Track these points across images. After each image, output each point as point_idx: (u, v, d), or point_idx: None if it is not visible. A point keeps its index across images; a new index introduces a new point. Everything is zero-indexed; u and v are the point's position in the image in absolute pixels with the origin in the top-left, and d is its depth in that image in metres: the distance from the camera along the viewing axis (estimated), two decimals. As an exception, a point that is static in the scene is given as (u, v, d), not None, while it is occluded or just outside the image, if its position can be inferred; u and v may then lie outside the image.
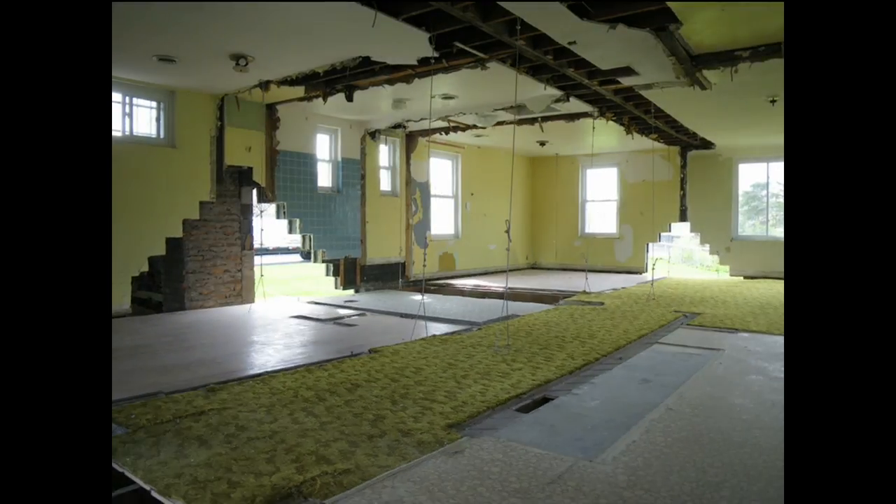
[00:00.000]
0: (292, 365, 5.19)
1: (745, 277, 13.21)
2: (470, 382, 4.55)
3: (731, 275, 13.63)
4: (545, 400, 4.22)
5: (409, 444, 3.27)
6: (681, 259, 21.32)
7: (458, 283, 12.44)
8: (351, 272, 10.94)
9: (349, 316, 8.07)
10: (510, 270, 15.17)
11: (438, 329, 6.95)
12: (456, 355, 5.49)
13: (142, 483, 2.78)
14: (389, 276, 11.71)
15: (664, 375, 4.82)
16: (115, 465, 2.96)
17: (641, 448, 3.24)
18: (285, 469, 2.89)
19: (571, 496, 2.65)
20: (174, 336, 6.60)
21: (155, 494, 2.68)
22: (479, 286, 12.01)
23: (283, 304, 9.37)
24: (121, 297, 7.67)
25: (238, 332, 6.98)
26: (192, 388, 4.38)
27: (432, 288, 11.87)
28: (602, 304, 9.07)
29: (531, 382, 4.57)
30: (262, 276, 8.75)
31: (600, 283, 11.78)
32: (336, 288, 10.83)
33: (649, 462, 3.05)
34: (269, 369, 5.05)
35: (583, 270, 13.28)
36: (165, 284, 8.49)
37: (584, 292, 10.42)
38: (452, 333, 6.65)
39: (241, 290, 9.24)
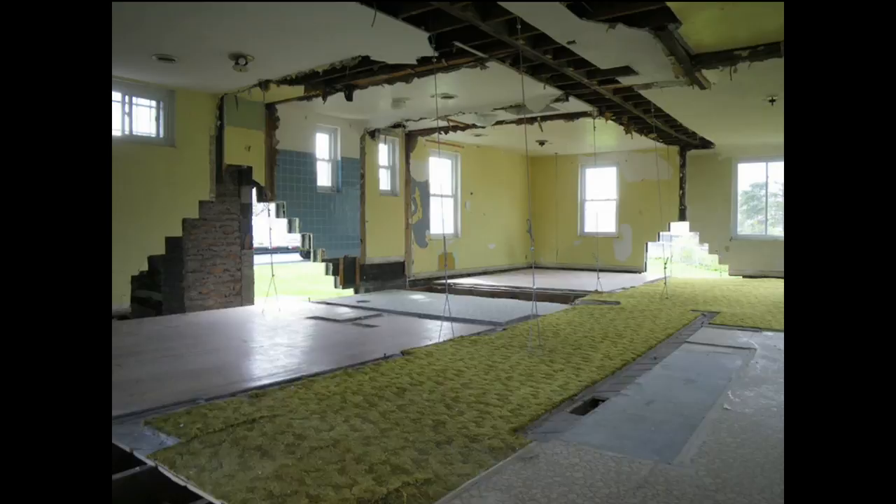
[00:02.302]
0: (326, 368, 5.11)
1: (745, 277, 13.21)
2: (517, 385, 4.52)
3: (731, 274, 13.64)
4: (595, 401, 4.24)
5: (479, 450, 3.20)
6: (680, 258, 21.33)
7: (461, 282, 12.45)
8: (350, 271, 10.94)
9: (366, 317, 8.04)
10: (509, 270, 15.16)
11: (462, 330, 6.93)
12: (491, 356, 5.47)
13: (212, 498, 2.65)
14: (389, 275, 11.71)
15: (705, 375, 4.85)
16: (176, 479, 2.87)
17: (715, 449, 3.22)
18: (363, 481, 2.77)
19: (664, 500, 2.63)
20: (194, 338, 6.50)
21: None
22: (481, 286, 12.01)
23: (295, 305, 9.34)
24: (120, 297, 7.67)
25: (259, 333, 6.89)
26: (232, 395, 4.27)
27: (439, 288, 11.86)
28: (618, 303, 9.13)
29: (578, 384, 4.56)
30: (273, 275, 8.73)
31: (606, 282, 11.79)
32: (336, 287, 10.83)
33: (729, 464, 3.02)
34: (305, 373, 4.93)
35: (583, 269, 13.33)
36: (165, 284, 8.48)
37: (597, 291, 10.47)
38: (479, 334, 6.65)
39: (241, 290, 9.23)
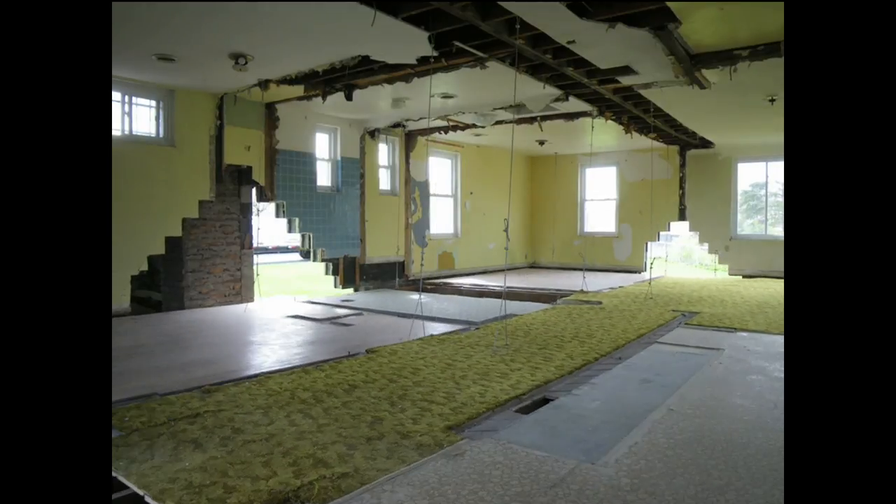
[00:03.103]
0: (289, 365, 5.17)
1: (744, 276, 13.22)
2: (469, 383, 4.53)
3: (730, 273, 13.65)
4: (545, 401, 4.20)
5: (408, 446, 3.23)
6: (680, 258, 21.34)
7: (457, 282, 12.45)
8: (350, 271, 10.94)
9: (346, 315, 8.06)
10: (509, 269, 15.18)
11: (437, 329, 6.95)
12: (454, 355, 5.47)
13: (136, 488, 2.73)
14: (389, 275, 11.71)
15: (664, 375, 4.81)
16: None
17: (644, 450, 3.21)
18: (282, 473, 2.85)
19: (574, 500, 2.63)
20: (170, 336, 6.56)
21: (149, 500, 2.63)
22: (477, 285, 12.02)
23: (281, 304, 9.35)
24: (120, 296, 7.67)
25: (235, 332, 6.95)
26: (188, 390, 4.34)
27: (430, 287, 11.87)
28: (600, 303, 9.07)
29: (531, 383, 4.54)
30: (258, 275, 8.74)
31: (599, 282, 11.80)
32: (335, 287, 10.84)
33: (652, 465, 3.02)
34: (266, 370, 5.03)
35: (583, 269, 13.29)
36: (165, 283, 8.49)
37: (582, 291, 10.43)
38: (450, 333, 6.64)
39: (241, 289, 9.23)
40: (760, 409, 3.92)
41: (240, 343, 6.33)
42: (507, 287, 11.19)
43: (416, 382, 4.55)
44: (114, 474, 2.88)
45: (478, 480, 2.82)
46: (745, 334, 6.60)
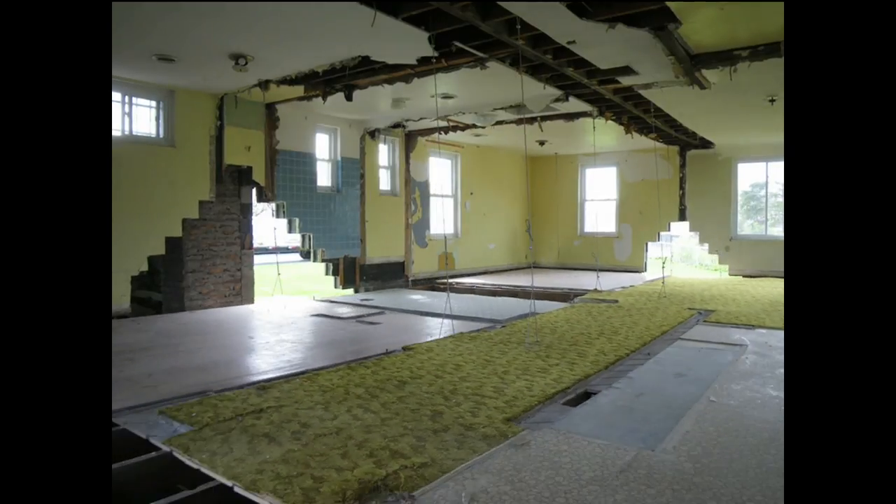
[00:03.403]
0: (332, 362, 5.25)
1: (745, 276, 13.22)
2: (513, 378, 4.65)
3: (731, 274, 13.65)
4: (587, 394, 4.36)
5: (474, 437, 3.34)
6: (680, 258, 21.33)
7: (461, 282, 12.47)
8: (350, 271, 10.94)
9: (369, 315, 8.12)
10: (508, 270, 15.17)
11: (461, 327, 7.02)
12: (490, 352, 5.59)
13: (224, 479, 2.79)
14: (389, 275, 11.71)
15: (696, 370, 4.95)
16: (190, 462, 3.02)
17: (697, 438, 3.35)
18: (363, 464, 2.92)
19: (645, 482, 2.76)
20: (202, 335, 6.63)
21: (240, 490, 2.69)
22: (482, 285, 12.03)
23: (299, 304, 9.40)
24: (120, 297, 7.67)
25: (264, 330, 7.00)
26: (240, 387, 4.43)
27: (440, 287, 11.87)
28: (616, 301, 9.18)
29: (571, 378, 4.69)
30: (279, 274, 8.76)
31: (606, 282, 11.83)
32: (336, 287, 10.83)
33: (708, 451, 3.16)
34: (311, 367, 5.09)
35: (583, 269, 13.34)
36: (165, 284, 8.48)
37: (596, 290, 10.51)
38: (478, 331, 6.75)
39: (241, 290, 9.23)
40: None
41: (274, 341, 6.35)
42: (518, 286, 11.29)
43: (462, 378, 4.66)
44: (197, 466, 2.97)
45: (550, 467, 2.94)
46: (763, 331, 6.74)
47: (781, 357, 5.35)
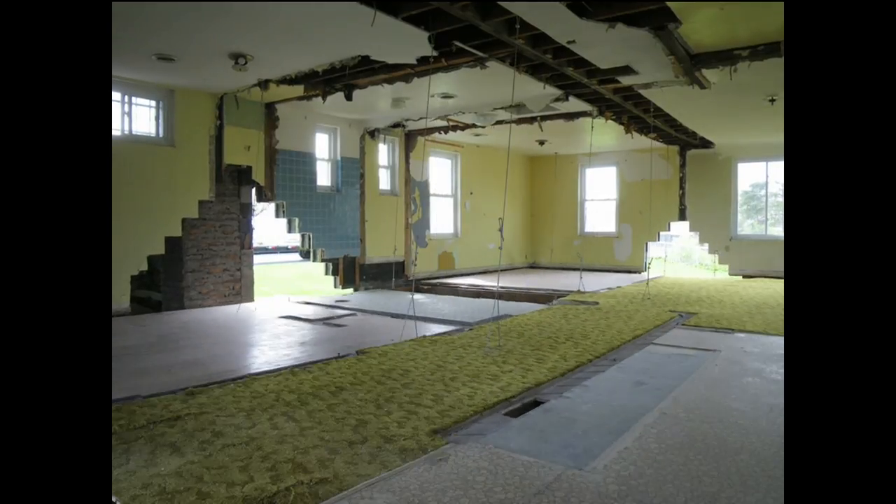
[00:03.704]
0: (276, 367, 5.10)
1: (744, 276, 13.23)
2: (458, 385, 4.46)
3: (730, 273, 13.66)
4: (535, 403, 4.14)
5: (391, 451, 3.17)
6: (680, 258, 21.35)
7: (455, 282, 12.45)
8: (350, 271, 10.94)
9: (339, 316, 8.02)
10: (508, 270, 15.18)
11: (430, 329, 6.92)
12: (445, 357, 5.41)
13: None
14: (389, 275, 11.71)
15: (658, 378, 4.73)
16: None
17: (634, 455, 3.13)
18: (259, 478, 2.78)
19: None
20: (160, 337, 6.52)
21: None
22: (475, 285, 12.02)
23: (275, 305, 9.32)
24: (120, 296, 7.67)
25: (226, 332, 6.89)
26: (171, 392, 4.29)
27: (426, 287, 11.86)
28: (597, 303, 9.03)
29: (521, 385, 4.47)
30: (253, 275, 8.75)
31: (597, 283, 11.79)
32: (335, 287, 10.84)
33: (642, 471, 2.94)
34: (253, 371, 4.97)
35: (583, 269, 13.31)
36: (165, 283, 8.49)
37: (579, 292, 10.41)
38: (443, 334, 6.59)
39: (241, 289, 9.23)
40: (756, 413, 3.83)
41: (231, 344, 6.26)
42: (505, 287, 11.23)
43: (405, 384, 4.49)
44: None
45: (460, 487, 2.74)
46: (742, 335, 6.53)
47: (753, 364, 5.16)
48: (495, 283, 12.02)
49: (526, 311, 8.36)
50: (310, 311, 8.48)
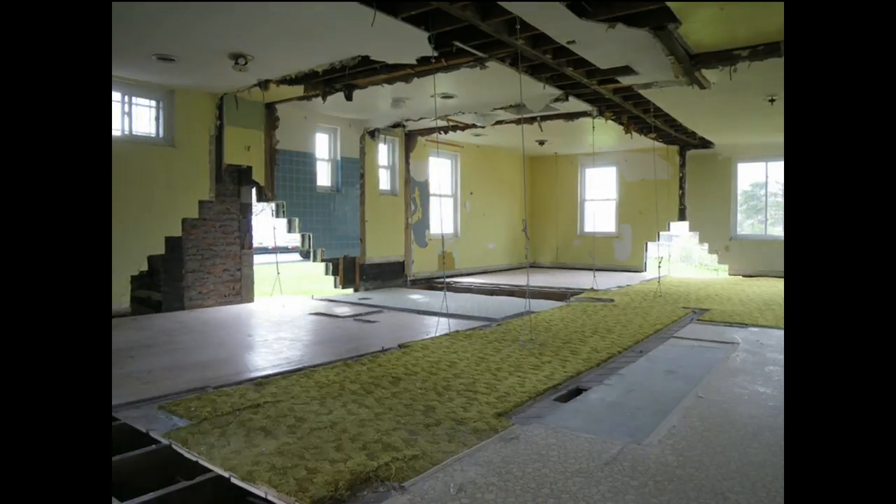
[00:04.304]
0: (328, 360, 5.31)
1: (744, 276, 13.22)
2: (505, 375, 4.72)
3: (730, 273, 13.65)
4: (579, 390, 4.43)
5: (465, 431, 3.41)
6: (680, 258, 21.33)
7: (462, 281, 12.49)
8: (350, 271, 10.94)
9: (368, 313, 8.15)
10: (508, 270, 15.17)
11: (459, 325, 7.06)
12: (484, 350, 5.66)
13: (221, 471, 2.86)
14: (389, 275, 11.71)
15: (687, 367, 5.02)
16: (189, 455, 3.09)
17: (683, 432, 3.42)
18: (356, 456, 3.00)
19: (629, 474, 2.83)
20: (200, 333, 6.70)
21: (236, 481, 2.76)
22: (480, 284, 12.03)
23: (298, 303, 9.41)
24: (120, 297, 7.67)
25: (262, 329, 7.06)
26: (238, 383, 4.50)
27: (438, 286, 11.87)
28: (612, 300, 9.20)
29: (563, 374, 4.75)
30: (278, 273, 8.76)
31: (604, 281, 11.87)
32: (335, 287, 10.83)
33: (693, 444, 3.23)
34: (307, 364, 5.14)
35: (583, 269, 13.34)
36: (165, 283, 8.48)
37: (593, 289, 10.52)
38: (474, 329, 6.80)
39: (241, 290, 9.23)
40: (782, 396, 4.10)
41: (273, 339, 6.42)
42: (516, 285, 11.30)
43: (456, 375, 4.73)
44: (195, 459, 3.04)
45: (538, 460, 3.01)
46: (755, 329, 6.80)
47: (772, 355, 5.44)
48: (503, 282, 12.04)
49: (544, 307, 8.56)
50: (337, 309, 8.58)
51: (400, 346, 5.88)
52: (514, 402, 4.00)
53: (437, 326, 6.90)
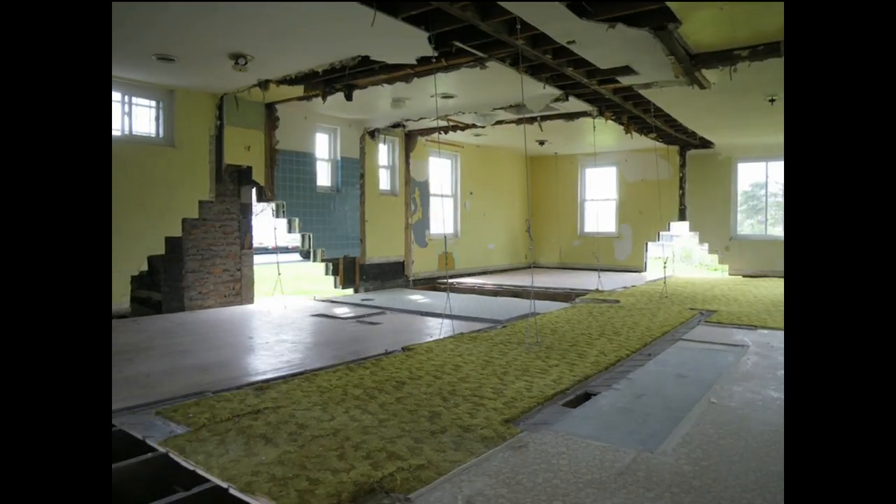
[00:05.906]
0: (330, 363, 5.24)
1: (745, 276, 13.22)
2: (512, 379, 4.64)
3: (730, 273, 13.65)
4: (587, 395, 4.34)
5: (472, 439, 3.33)
6: (680, 258, 21.33)
7: (461, 282, 12.47)
8: (350, 271, 10.93)
9: (369, 315, 8.11)
10: (508, 270, 15.17)
11: (462, 327, 7.00)
12: (489, 352, 5.57)
13: (219, 481, 2.78)
14: (389, 275, 11.71)
15: (697, 371, 4.92)
16: (186, 464, 3.01)
17: (697, 440, 3.33)
18: (360, 466, 2.91)
19: (644, 485, 2.74)
20: (200, 335, 6.63)
21: (235, 492, 2.68)
22: (482, 285, 12.02)
23: (300, 303, 9.38)
24: (120, 297, 7.66)
25: (263, 330, 7.00)
26: (238, 387, 4.41)
27: (440, 287, 11.86)
28: (618, 301, 9.15)
29: (571, 379, 4.67)
30: (279, 274, 8.76)
31: (607, 282, 11.83)
32: (335, 287, 10.83)
33: (708, 453, 3.13)
34: (309, 367, 5.08)
35: (584, 269, 13.34)
36: (165, 284, 8.48)
37: (598, 290, 10.49)
38: (479, 331, 6.71)
39: (241, 290, 9.23)
40: None
41: (274, 341, 6.35)
42: (520, 286, 11.29)
43: (461, 379, 4.64)
44: (193, 468, 2.95)
45: (548, 469, 2.92)
46: (765, 331, 6.69)
47: (782, 358, 5.30)
48: (504, 283, 12.03)
49: (549, 309, 8.49)
50: (339, 311, 8.54)
51: (403, 348, 5.79)
52: (521, 407, 3.91)
53: (441, 328, 6.85)
